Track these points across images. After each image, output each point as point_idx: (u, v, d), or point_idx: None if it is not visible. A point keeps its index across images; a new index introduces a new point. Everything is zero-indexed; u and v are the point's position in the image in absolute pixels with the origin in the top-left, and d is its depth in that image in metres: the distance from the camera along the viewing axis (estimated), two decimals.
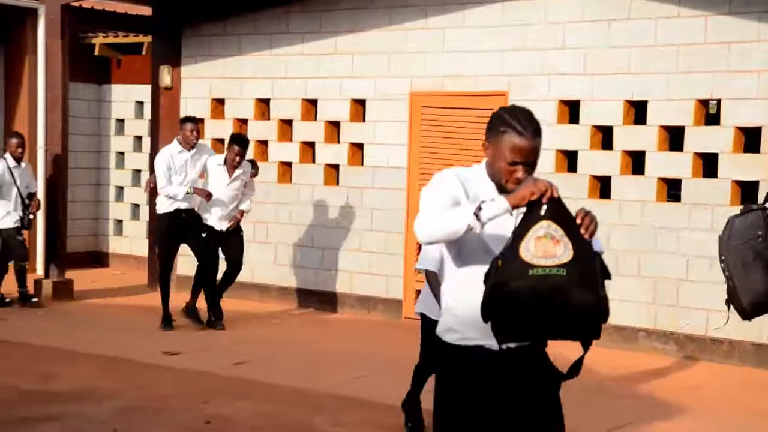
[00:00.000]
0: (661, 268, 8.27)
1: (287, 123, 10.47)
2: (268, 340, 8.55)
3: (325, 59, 10.13)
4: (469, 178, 3.27)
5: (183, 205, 8.89)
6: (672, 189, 8.48)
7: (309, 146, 10.36)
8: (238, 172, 8.99)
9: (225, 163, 8.94)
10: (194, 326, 9.00)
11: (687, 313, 8.15)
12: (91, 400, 6.38)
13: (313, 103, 10.31)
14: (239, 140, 8.99)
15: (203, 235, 8.97)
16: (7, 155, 9.96)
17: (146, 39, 12.01)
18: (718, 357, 8.03)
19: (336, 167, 10.18)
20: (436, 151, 9.47)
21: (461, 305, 3.22)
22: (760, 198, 7.87)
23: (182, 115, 11.11)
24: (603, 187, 8.71)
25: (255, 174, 9.22)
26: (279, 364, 7.64)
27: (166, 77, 11.10)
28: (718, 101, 8.16)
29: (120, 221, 12.96)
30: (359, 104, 10.02)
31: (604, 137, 8.70)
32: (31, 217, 9.96)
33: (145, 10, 11.51)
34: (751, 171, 7.92)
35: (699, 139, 8.15)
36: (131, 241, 12.83)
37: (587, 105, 8.66)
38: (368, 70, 9.86)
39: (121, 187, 12.95)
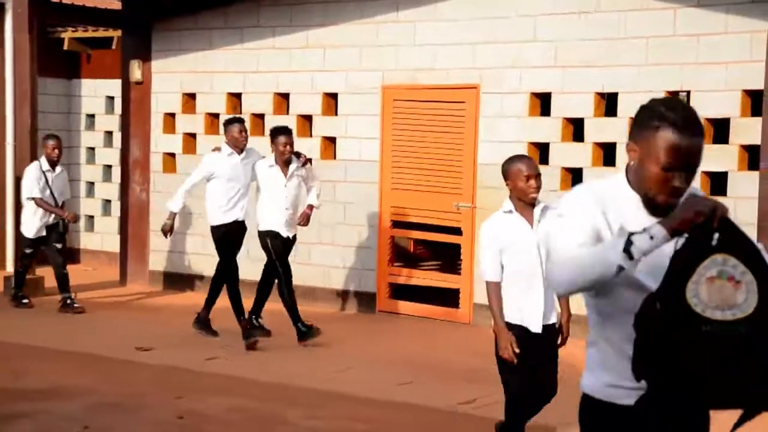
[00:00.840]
0: None
1: (259, 117, 10.43)
2: (242, 336, 8.51)
3: (296, 53, 10.10)
4: (607, 194, 2.62)
5: (240, 215, 8.39)
6: None
7: None
8: (292, 167, 8.17)
9: (276, 162, 8.14)
10: (261, 336, 8.28)
11: None
12: (63, 397, 6.34)
13: (285, 97, 10.27)
14: (284, 130, 8.12)
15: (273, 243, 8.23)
16: (43, 159, 9.46)
17: (116, 33, 11.91)
18: None
19: (309, 161, 10.14)
20: (409, 145, 9.48)
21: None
22: (729, 189, 7.95)
23: (153, 110, 11.06)
24: (575, 179, 8.76)
25: (306, 162, 8.51)
26: (252, 358, 7.62)
27: (136, 72, 11.02)
28: (688, 93, 8.22)
29: (91, 217, 12.86)
30: (331, 98, 10.00)
31: (575, 129, 8.74)
32: (62, 230, 9.61)
33: (115, 4, 11.41)
34: (720, 162, 7.99)
35: None
36: (102, 236, 12.73)
37: (558, 97, 8.69)
38: (340, 63, 9.84)
39: (92, 183, 12.84)
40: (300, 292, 10.09)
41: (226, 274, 8.44)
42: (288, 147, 8.00)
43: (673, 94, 8.28)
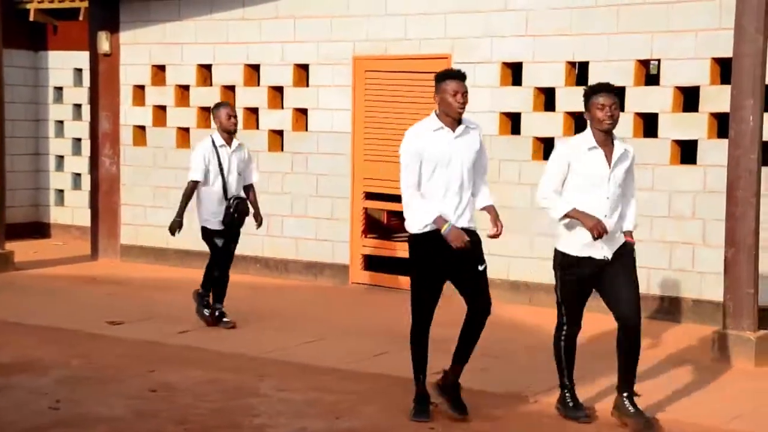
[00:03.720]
0: None
1: (230, 89, 10.34)
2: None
3: (266, 24, 10.01)
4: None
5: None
6: None
7: (252, 112, 10.26)
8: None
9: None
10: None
11: None
12: (34, 372, 6.30)
13: (256, 68, 10.19)
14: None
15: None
16: (215, 134, 7.67)
17: (83, 4, 11.74)
18: (660, 314, 8.18)
19: (280, 133, 10.11)
20: (381, 116, 9.44)
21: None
22: (699, 158, 7.99)
23: (122, 82, 10.94)
24: (546, 148, 8.76)
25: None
26: (224, 331, 7.61)
27: (104, 43, 10.89)
28: (658, 61, 8.24)
29: (61, 191, 12.75)
30: (302, 69, 9.93)
31: (547, 99, 8.74)
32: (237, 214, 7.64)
33: None
34: (691, 130, 8.03)
35: (639, 99, 8.22)
36: (73, 211, 12.63)
37: (529, 67, 8.68)
38: (311, 34, 9.76)
39: (62, 156, 12.72)
40: (272, 264, 10.10)
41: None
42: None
43: (645, 63, 8.29)
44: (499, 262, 8.83)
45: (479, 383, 6.15)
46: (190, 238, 10.64)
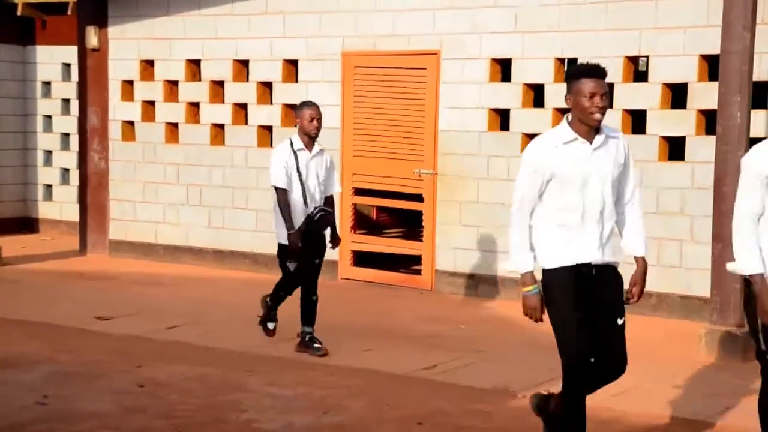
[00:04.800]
0: None
1: (219, 84, 10.33)
2: (202, 303, 8.50)
3: (255, 19, 9.99)
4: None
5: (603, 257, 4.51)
6: None
7: (241, 108, 10.24)
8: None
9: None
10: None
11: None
12: (21, 367, 6.29)
13: (245, 63, 10.18)
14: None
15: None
16: (295, 136, 6.81)
17: None
18: (648, 310, 8.19)
19: (269, 128, 10.09)
20: (370, 111, 9.44)
21: None
22: (687, 154, 8.02)
23: (111, 77, 10.91)
24: None
25: None
26: (212, 326, 7.61)
27: (92, 38, 10.85)
28: (647, 58, 8.26)
29: (49, 186, 12.71)
30: (291, 65, 9.92)
31: (536, 95, 8.75)
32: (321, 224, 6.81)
33: None
34: (679, 127, 8.05)
35: (627, 95, 8.24)
36: (61, 206, 12.59)
37: (518, 63, 8.69)
38: (300, 30, 9.75)
39: (50, 151, 12.67)
40: (262, 260, 10.09)
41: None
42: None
43: (633, 60, 8.31)
44: (488, 258, 8.85)
45: (467, 378, 6.17)
46: (179, 234, 10.66)
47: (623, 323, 4.40)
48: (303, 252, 6.67)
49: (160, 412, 5.39)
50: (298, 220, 6.68)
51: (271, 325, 7.12)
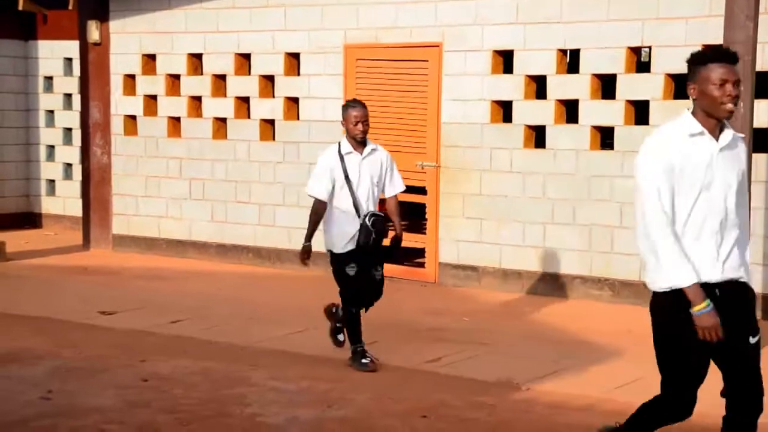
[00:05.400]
0: (596, 215, 8.38)
1: (221, 78, 10.31)
2: (205, 298, 8.50)
3: (257, 12, 9.97)
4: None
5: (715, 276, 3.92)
6: (605, 137, 8.57)
7: (243, 101, 10.23)
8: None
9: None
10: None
11: (621, 260, 8.29)
12: (25, 362, 6.29)
13: (247, 57, 10.16)
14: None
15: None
16: (344, 139, 6.30)
17: None
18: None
19: (271, 122, 10.08)
20: (372, 104, 9.38)
21: None
22: None
23: (113, 71, 10.89)
24: (537, 136, 8.77)
25: None
26: (216, 320, 7.61)
27: (94, 32, 10.84)
28: (649, 48, 8.24)
29: (52, 181, 12.72)
30: (293, 58, 9.90)
31: (538, 87, 8.73)
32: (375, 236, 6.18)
33: None
34: None
35: (630, 86, 8.22)
36: (64, 201, 12.60)
37: (520, 54, 8.67)
38: (301, 22, 9.73)
39: (52, 146, 12.67)
40: (265, 253, 10.09)
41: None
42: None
43: (635, 50, 8.29)
44: (491, 250, 8.85)
45: (471, 371, 6.16)
46: (182, 228, 10.66)
47: (758, 341, 3.78)
48: (360, 263, 6.18)
49: (164, 407, 5.39)
50: (347, 229, 6.17)
51: (365, 360, 6.26)
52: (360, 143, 6.23)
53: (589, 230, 8.41)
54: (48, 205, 12.74)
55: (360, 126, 6.15)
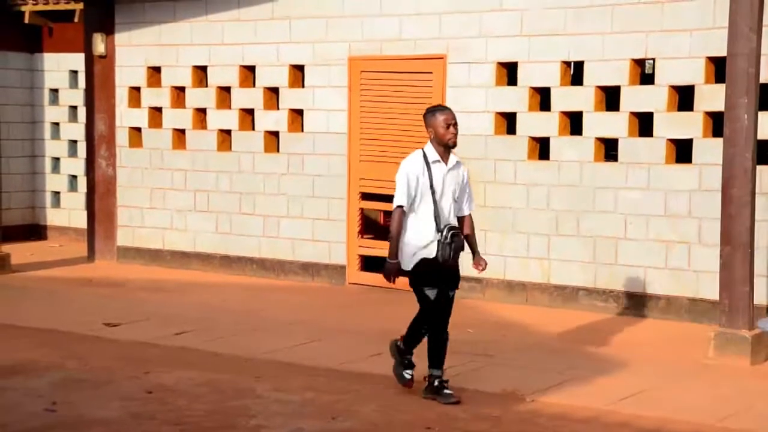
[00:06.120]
0: (600, 227, 8.38)
1: (225, 90, 10.35)
2: (210, 309, 8.50)
3: (262, 24, 10.01)
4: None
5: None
6: (609, 149, 8.58)
7: (248, 113, 10.26)
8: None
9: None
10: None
11: (625, 271, 8.28)
12: (30, 374, 6.29)
13: (251, 69, 10.19)
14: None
15: None
16: (429, 146, 5.87)
17: (78, 6, 11.74)
18: (656, 313, 8.18)
19: (276, 134, 10.11)
20: (376, 116, 9.44)
21: None
22: (694, 157, 8.00)
23: (118, 83, 10.93)
24: (542, 148, 8.78)
25: None
26: (220, 332, 7.61)
27: (99, 45, 10.88)
28: (653, 60, 8.25)
29: (57, 193, 12.75)
30: (298, 70, 9.93)
31: (542, 98, 8.74)
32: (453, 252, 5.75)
33: None
34: (685, 129, 8.03)
35: (634, 98, 8.23)
36: (69, 213, 12.63)
37: (525, 66, 8.68)
38: (306, 35, 9.77)
39: (57, 158, 12.72)
40: (269, 265, 10.10)
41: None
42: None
43: (639, 62, 8.30)
44: (496, 262, 8.84)
45: (475, 383, 6.15)
46: (186, 240, 10.68)
47: None
48: (436, 281, 5.78)
49: (168, 419, 5.39)
50: (426, 244, 5.74)
51: (408, 373, 5.94)
52: (447, 152, 5.83)
53: (594, 242, 8.41)
54: (53, 217, 12.77)
55: (451, 129, 5.79)
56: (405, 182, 5.76)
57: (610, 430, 5.28)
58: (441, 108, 5.95)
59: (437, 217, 5.75)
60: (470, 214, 6.02)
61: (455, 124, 5.82)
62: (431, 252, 5.74)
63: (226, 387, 6.03)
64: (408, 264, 5.79)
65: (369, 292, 9.38)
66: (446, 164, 5.84)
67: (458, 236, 5.79)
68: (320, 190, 9.78)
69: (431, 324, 5.84)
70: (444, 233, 5.72)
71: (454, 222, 5.86)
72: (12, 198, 12.44)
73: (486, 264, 6.00)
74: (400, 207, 5.77)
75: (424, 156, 5.83)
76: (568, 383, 6.19)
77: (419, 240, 5.76)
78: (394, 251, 5.76)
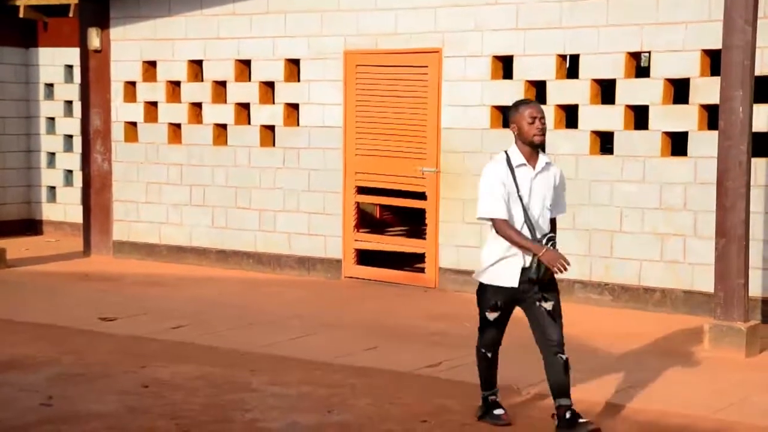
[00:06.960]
0: (595, 220, 8.39)
1: (221, 84, 10.34)
2: (206, 303, 8.50)
3: (257, 19, 10.00)
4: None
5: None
6: (605, 142, 8.59)
7: (244, 107, 10.25)
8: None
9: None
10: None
11: (621, 264, 8.29)
12: (25, 368, 6.30)
13: (247, 63, 10.18)
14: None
15: None
16: (513, 148, 5.11)
17: (73, 0, 11.70)
18: (652, 305, 8.20)
19: (272, 128, 10.10)
20: (372, 110, 9.44)
21: None
22: (689, 149, 8.01)
23: (113, 78, 10.92)
24: None
25: None
26: (216, 326, 7.61)
27: (94, 40, 10.86)
28: (648, 54, 8.25)
29: (53, 188, 12.74)
30: (293, 64, 9.92)
31: (538, 92, 8.74)
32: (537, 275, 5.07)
33: None
34: (681, 122, 8.04)
35: (630, 91, 8.23)
36: (65, 207, 12.62)
37: (520, 60, 8.68)
38: (301, 29, 9.76)
39: (53, 153, 12.70)
40: (265, 259, 10.10)
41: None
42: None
43: (635, 55, 8.30)
44: None
45: (472, 377, 6.16)
46: (182, 234, 10.68)
47: None
48: (505, 306, 5.27)
49: (164, 413, 5.39)
50: (509, 256, 5.05)
51: (498, 411, 5.32)
52: (535, 152, 5.05)
53: (589, 235, 8.42)
54: (49, 212, 12.75)
55: (537, 123, 4.98)
56: (490, 190, 5.00)
57: (606, 422, 5.29)
58: (525, 101, 5.17)
59: (531, 228, 5.00)
60: (554, 218, 5.22)
61: (542, 119, 5.01)
62: (513, 275, 5.07)
63: (222, 381, 6.04)
64: (484, 276, 5.15)
65: (365, 286, 9.39)
66: (533, 168, 5.06)
67: (555, 244, 5.03)
68: (316, 184, 9.78)
69: (490, 344, 5.35)
70: (541, 243, 4.98)
71: (548, 230, 5.10)
72: (7, 193, 12.43)
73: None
74: (501, 219, 4.98)
75: (507, 159, 5.06)
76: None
77: (505, 256, 5.05)
78: (532, 246, 4.96)
